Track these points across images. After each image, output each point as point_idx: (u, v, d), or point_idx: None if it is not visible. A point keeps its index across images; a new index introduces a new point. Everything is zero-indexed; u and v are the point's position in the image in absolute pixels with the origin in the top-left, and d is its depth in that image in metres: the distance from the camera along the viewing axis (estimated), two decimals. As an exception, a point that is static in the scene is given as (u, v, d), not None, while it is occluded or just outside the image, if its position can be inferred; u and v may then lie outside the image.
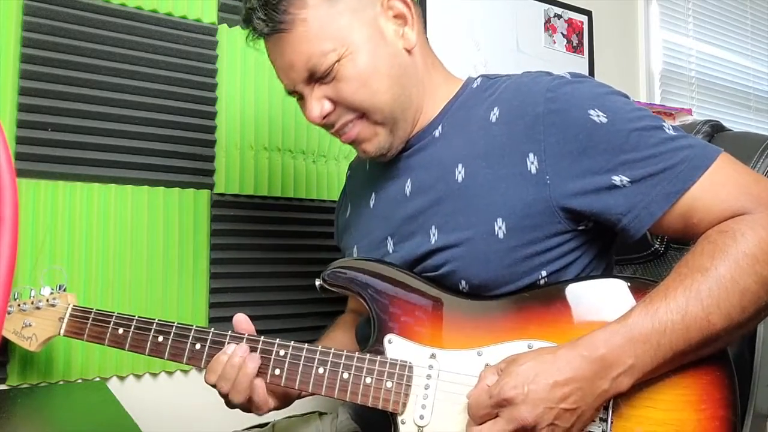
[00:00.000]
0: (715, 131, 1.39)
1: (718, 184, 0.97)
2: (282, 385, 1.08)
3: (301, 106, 1.19)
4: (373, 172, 1.30)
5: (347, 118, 1.16)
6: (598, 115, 1.02)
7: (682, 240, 1.31)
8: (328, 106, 1.15)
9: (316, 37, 1.09)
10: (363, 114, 1.15)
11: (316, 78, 1.13)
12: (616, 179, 1.00)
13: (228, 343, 1.11)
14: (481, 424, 0.92)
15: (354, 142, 1.20)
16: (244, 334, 1.12)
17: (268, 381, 1.09)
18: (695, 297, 0.90)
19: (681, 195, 0.97)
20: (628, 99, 1.08)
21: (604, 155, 1.01)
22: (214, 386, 1.11)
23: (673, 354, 0.91)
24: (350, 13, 1.11)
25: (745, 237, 0.91)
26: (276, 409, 1.19)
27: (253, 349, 1.10)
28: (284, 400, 1.20)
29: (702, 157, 0.98)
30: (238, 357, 1.08)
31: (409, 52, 1.17)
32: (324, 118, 1.16)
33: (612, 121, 1.01)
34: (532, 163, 1.05)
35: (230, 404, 1.12)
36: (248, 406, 1.12)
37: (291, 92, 1.19)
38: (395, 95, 1.14)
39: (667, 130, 1.01)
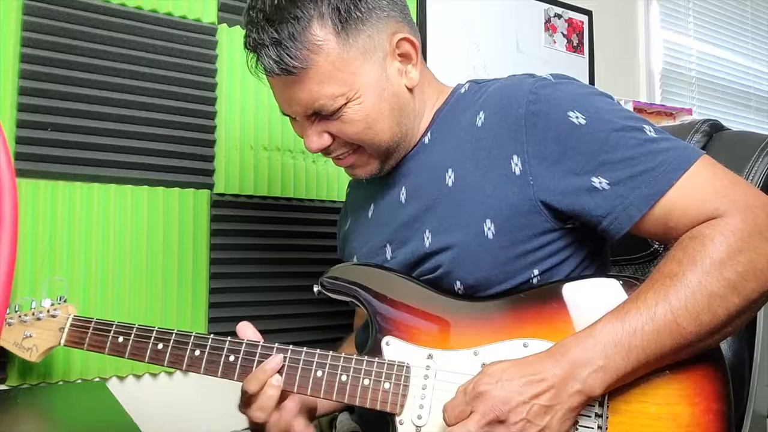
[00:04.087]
0: (714, 130, 1.39)
1: (695, 188, 0.97)
2: (281, 388, 1.08)
3: (294, 126, 1.20)
4: (371, 183, 1.31)
5: (344, 150, 1.18)
6: (577, 117, 1.02)
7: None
8: (327, 139, 1.15)
9: (327, 80, 1.08)
10: (359, 146, 1.17)
11: (319, 114, 1.12)
12: (596, 181, 1.00)
13: (226, 355, 1.10)
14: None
15: (347, 167, 1.23)
16: (243, 340, 1.11)
17: None
18: (663, 300, 0.91)
19: (659, 198, 0.98)
20: (611, 100, 1.08)
21: (584, 156, 1.01)
22: (248, 394, 1.08)
23: (647, 358, 0.91)
24: (362, 57, 1.10)
25: (714, 242, 0.92)
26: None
27: (252, 354, 1.10)
28: (309, 417, 1.17)
29: (681, 159, 0.98)
30: (273, 389, 1.06)
31: (410, 90, 1.17)
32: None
33: (591, 122, 1.02)
34: (516, 164, 1.05)
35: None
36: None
37: (285, 115, 1.19)
38: (394, 133, 1.16)
39: (648, 132, 1.01)
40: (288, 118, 1.20)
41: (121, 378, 1.57)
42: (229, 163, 1.71)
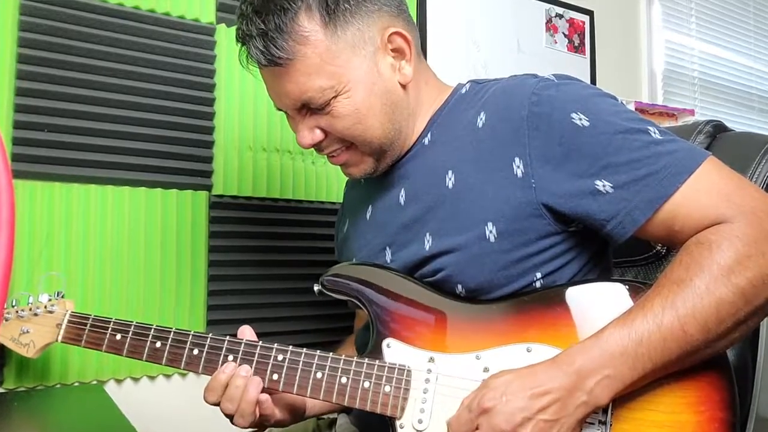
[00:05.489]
0: (716, 131, 1.39)
1: (700, 191, 0.96)
2: (280, 390, 1.08)
3: (289, 122, 1.20)
4: (369, 184, 1.31)
5: (336, 147, 1.18)
6: (580, 119, 1.02)
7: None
8: (319, 134, 1.16)
9: (315, 72, 1.09)
10: (352, 143, 1.16)
11: (309, 107, 1.13)
12: (599, 184, 1.00)
13: (224, 355, 1.11)
14: None
15: (341, 165, 1.23)
16: (242, 339, 1.12)
17: (266, 386, 1.09)
18: (671, 307, 0.91)
19: (663, 202, 0.97)
20: (615, 101, 1.08)
21: (587, 159, 1.01)
22: (214, 404, 1.11)
23: (653, 366, 0.91)
24: (350, 49, 1.10)
25: (720, 248, 0.92)
26: (283, 423, 1.19)
27: (251, 354, 1.10)
28: (291, 413, 1.21)
29: (685, 162, 0.98)
30: (240, 378, 1.08)
31: (403, 86, 1.17)
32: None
33: (594, 124, 1.01)
34: (518, 167, 1.05)
35: (236, 424, 1.13)
36: (256, 423, 1.12)
37: (279, 110, 1.20)
38: (386, 130, 1.16)
39: (652, 134, 1.01)
40: (284, 115, 1.20)
41: (118, 381, 1.57)
42: (227, 165, 1.71)
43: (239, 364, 1.09)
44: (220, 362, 1.10)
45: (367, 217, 1.30)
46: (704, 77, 3.12)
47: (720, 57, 3.23)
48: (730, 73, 3.28)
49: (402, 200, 1.20)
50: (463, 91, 1.22)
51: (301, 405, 1.22)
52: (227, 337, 1.12)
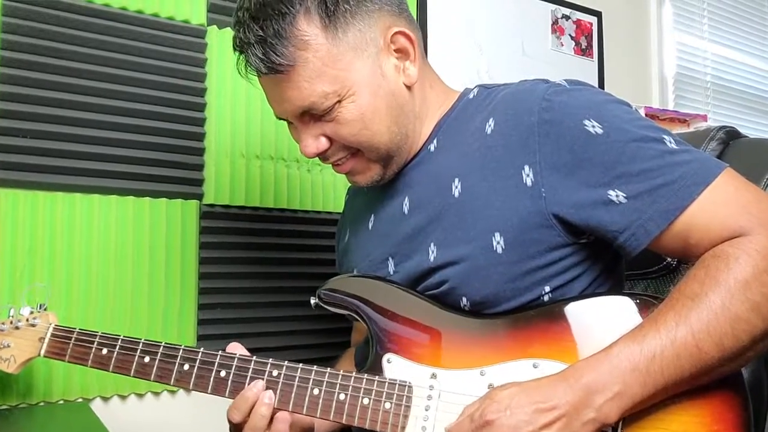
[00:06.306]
0: (730, 138, 1.39)
1: (718, 203, 0.96)
2: (275, 407, 1.07)
3: (291, 131, 1.20)
4: (372, 193, 1.31)
5: (342, 155, 1.18)
6: (593, 126, 1.02)
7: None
8: (324, 142, 1.15)
9: (317, 78, 1.08)
10: (358, 150, 1.16)
11: (312, 114, 1.12)
12: (612, 194, 1.00)
13: (216, 370, 1.10)
14: None
15: (347, 174, 1.22)
16: (235, 354, 1.11)
17: None
18: (685, 323, 0.90)
19: (679, 213, 0.97)
20: (629, 108, 1.08)
21: (600, 168, 1.01)
22: (238, 425, 1.09)
23: (665, 383, 0.91)
24: (352, 52, 1.10)
25: (738, 262, 0.91)
26: None
27: (244, 369, 1.09)
28: None
29: (702, 173, 0.98)
30: (264, 407, 1.06)
31: (409, 88, 1.17)
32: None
33: (608, 132, 1.01)
34: (528, 175, 1.05)
35: None
36: None
37: (280, 118, 1.20)
38: (393, 134, 1.16)
39: (668, 143, 1.01)
40: (286, 123, 1.20)
41: (105, 399, 1.56)
42: (219, 173, 1.71)
43: (233, 380, 1.09)
44: (212, 378, 1.10)
45: (369, 226, 1.30)
46: (717, 81, 3.13)
47: (733, 60, 3.24)
48: (744, 77, 3.28)
49: (406, 209, 1.20)
50: (471, 95, 1.22)
51: (309, 426, 1.21)
52: (220, 352, 1.11)
